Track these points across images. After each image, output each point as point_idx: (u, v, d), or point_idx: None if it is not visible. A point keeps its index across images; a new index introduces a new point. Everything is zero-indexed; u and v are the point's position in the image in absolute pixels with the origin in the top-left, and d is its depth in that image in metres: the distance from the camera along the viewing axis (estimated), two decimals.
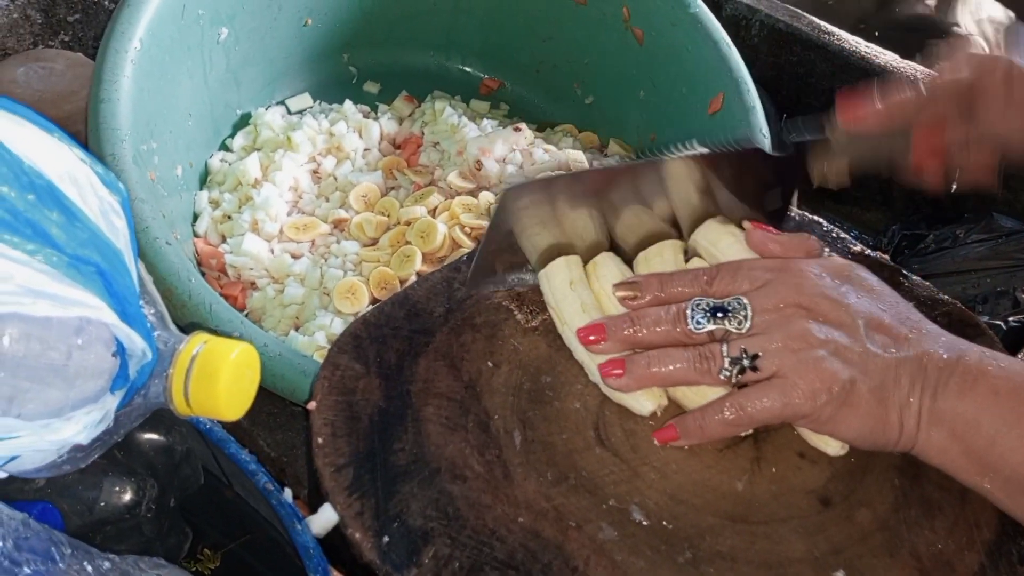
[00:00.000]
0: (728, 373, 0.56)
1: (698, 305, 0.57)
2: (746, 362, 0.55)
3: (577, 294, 0.63)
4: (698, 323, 0.57)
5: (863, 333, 0.55)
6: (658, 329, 0.58)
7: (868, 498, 0.58)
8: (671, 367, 0.57)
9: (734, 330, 0.56)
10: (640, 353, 0.58)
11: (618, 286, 0.62)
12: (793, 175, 0.69)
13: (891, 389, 0.55)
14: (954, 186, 0.72)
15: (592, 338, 0.59)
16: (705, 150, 0.65)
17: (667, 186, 0.65)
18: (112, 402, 0.46)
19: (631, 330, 0.59)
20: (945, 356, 0.55)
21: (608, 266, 0.65)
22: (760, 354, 0.55)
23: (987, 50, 0.74)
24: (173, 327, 0.51)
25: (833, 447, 0.59)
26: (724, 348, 0.56)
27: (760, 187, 0.67)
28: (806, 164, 0.68)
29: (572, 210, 0.63)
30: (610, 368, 0.58)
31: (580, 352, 0.62)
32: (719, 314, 0.57)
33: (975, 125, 0.68)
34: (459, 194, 0.90)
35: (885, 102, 0.67)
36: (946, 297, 0.71)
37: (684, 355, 0.57)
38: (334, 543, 0.54)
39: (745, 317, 0.56)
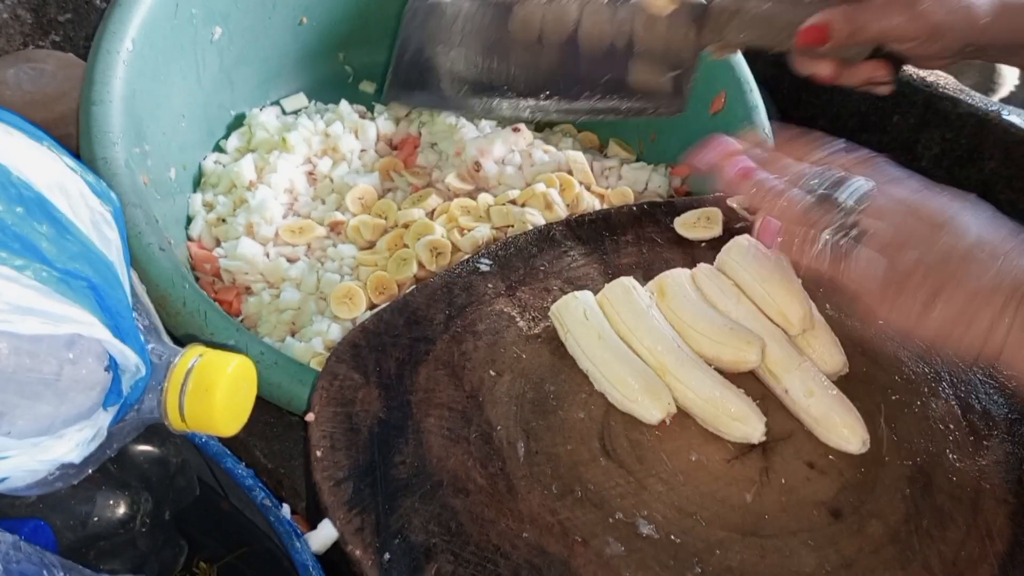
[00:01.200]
0: (830, 237, 0.55)
1: (822, 173, 0.57)
2: (852, 232, 0.55)
3: (593, 323, 0.62)
4: (813, 190, 0.56)
5: (967, 242, 0.54)
6: (779, 176, 0.58)
7: (879, 509, 0.57)
8: (789, 201, 0.57)
9: (848, 201, 0.55)
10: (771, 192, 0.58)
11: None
12: (684, 38, 0.72)
13: (983, 295, 0.53)
14: (847, 81, 0.73)
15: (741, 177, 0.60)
16: None
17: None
18: (105, 419, 0.45)
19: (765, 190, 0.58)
20: None
21: (618, 294, 0.64)
22: (866, 232, 0.55)
23: None
24: (167, 339, 0.49)
25: (854, 445, 0.58)
26: (835, 213, 0.55)
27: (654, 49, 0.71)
28: (692, 29, 0.71)
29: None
30: (738, 167, 0.60)
31: (584, 361, 0.61)
32: (837, 185, 0.56)
33: (858, 9, 0.69)
34: (457, 196, 0.89)
35: None
36: None
37: (803, 199, 0.56)
38: (333, 559, 0.53)
39: (863, 193, 0.55)
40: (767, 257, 0.64)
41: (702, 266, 0.67)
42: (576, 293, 0.64)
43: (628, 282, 0.64)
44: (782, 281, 0.63)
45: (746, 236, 0.67)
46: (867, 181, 0.56)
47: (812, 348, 0.63)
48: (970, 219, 0.55)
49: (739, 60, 0.95)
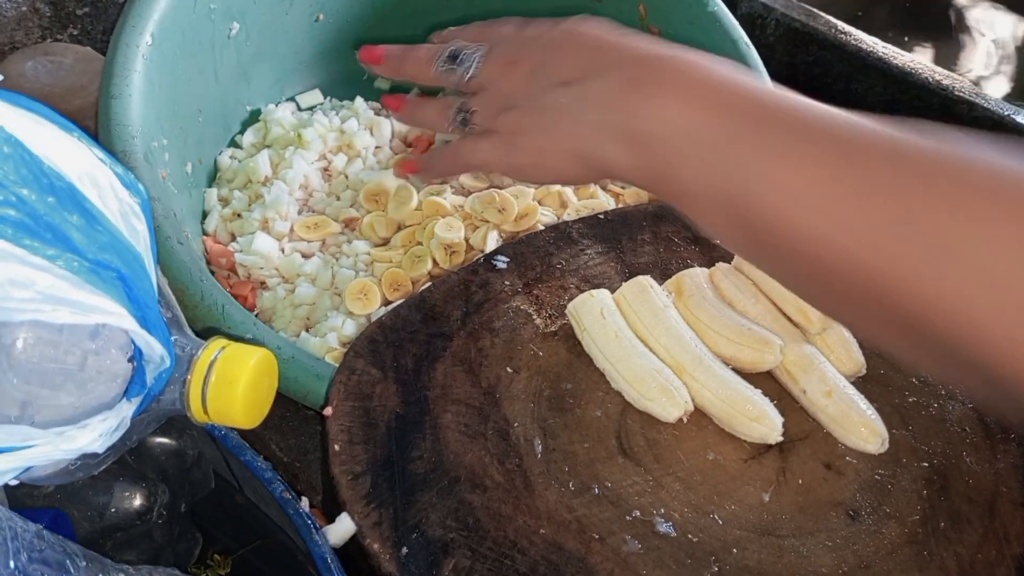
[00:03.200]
0: (452, 122, 0.64)
1: (445, 50, 0.64)
2: (463, 115, 0.63)
3: (610, 321, 0.62)
4: (439, 64, 0.64)
5: (556, 74, 0.57)
6: (416, 60, 0.67)
7: (896, 511, 0.57)
8: (426, 110, 0.68)
9: (463, 72, 0.63)
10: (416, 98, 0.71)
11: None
12: None
13: (579, 119, 0.54)
14: None
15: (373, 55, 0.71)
16: None
17: None
18: (128, 409, 0.45)
19: (401, 59, 0.69)
20: (638, 73, 0.51)
21: (635, 293, 0.64)
22: (474, 110, 0.62)
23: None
24: (189, 331, 0.49)
25: (873, 445, 0.58)
26: (456, 104, 0.63)
27: None
28: None
29: None
30: (391, 100, 0.73)
31: (601, 360, 0.61)
32: (454, 58, 0.63)
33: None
34: (472, 193, 0.89)
35: None
36: None
37: (435, 105, 0.67)
38: (350, 553, 0.53)
39: (471, 66, 0.62)
40: None
41: (720, 265, 0.67)
42: (593, 292, 0.64)
43: (645, 281, 0.64)
44: None
45: None
46: (479, 49, 0.63)
47: (830, 348, 0.63)
48: (566, 47, 0.58)
49: (756, 60, 0.95)
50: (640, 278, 0.64)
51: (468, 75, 0.62)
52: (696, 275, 0.65)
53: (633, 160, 0.51)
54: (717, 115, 0.47)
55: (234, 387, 0.46)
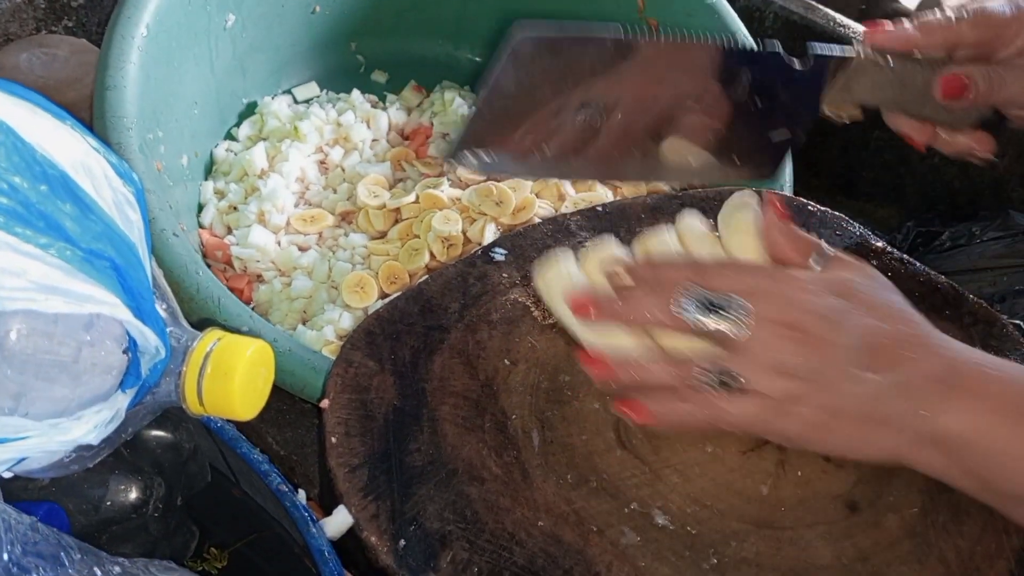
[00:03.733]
0: (701, 382, 0.53)
1: (696, 291, 0.54)
2: (725, 380, 0.53)
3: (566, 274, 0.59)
4: (686, 310, 0.53)
5: (854, 356, 0.52)
6: (645, 308, 0.55)
7: (895, 503, 0.56)
8: (651, 371, 0.55)
9: (729, 331, 0.53)
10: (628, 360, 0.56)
11: (610, 274, 0.58)
12: (808, 97, 0.64)
13: (877, 414, 0.52)
14: (944, 148, 0.69)
15: (582, 309, 0.57)
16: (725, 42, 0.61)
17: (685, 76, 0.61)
18: (123, 401, 0.44)
19: (619, 308, 0.56)
20: (941, 375, 0.52)
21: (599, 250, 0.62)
22: (736, 375, 0.53)
23: None
24: (185, 323, 0.49)
25: None
26: (706, 367, 0.53)
27: (771, 106, 0.63)
28: (822, 86, 0.64)
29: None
30: (596, 366, 0.57)
31: (560, 312, 0.60)
32: (713, 308, 0.53)
33: (1000, 67, 0.66)
34: (469, 186, 0.89)
35: (918, 21, 0.65)
36: (972, 296, 0.69)
37: (672, 370, 0.55)
38: (348, 546, 0.53)
39: (739, 323, 0.53)
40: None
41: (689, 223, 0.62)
42: (558, 254, 0.61)
43: (610, 240, 0.62)
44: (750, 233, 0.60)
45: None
46: (743, 301, 0.53)
47: None
48: (850, 325, 0.53)
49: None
50: (605, 236, 0.63)
51: (737, 333, 0.53)
52: (661, 236, 0.61)
53: (947, 464, 0.53)
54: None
55: (230, 378, 0.46)
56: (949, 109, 0.66)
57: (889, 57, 0.65)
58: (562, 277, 0.59)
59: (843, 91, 0.65)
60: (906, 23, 0.65)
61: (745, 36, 0.95)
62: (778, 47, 0.62)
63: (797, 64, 0.63)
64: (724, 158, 0.65)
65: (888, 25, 0.65)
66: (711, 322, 0.53)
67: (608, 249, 0.60)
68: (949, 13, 0.65)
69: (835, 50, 0.64)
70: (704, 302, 0.53)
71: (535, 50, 0.57)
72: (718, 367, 0.53)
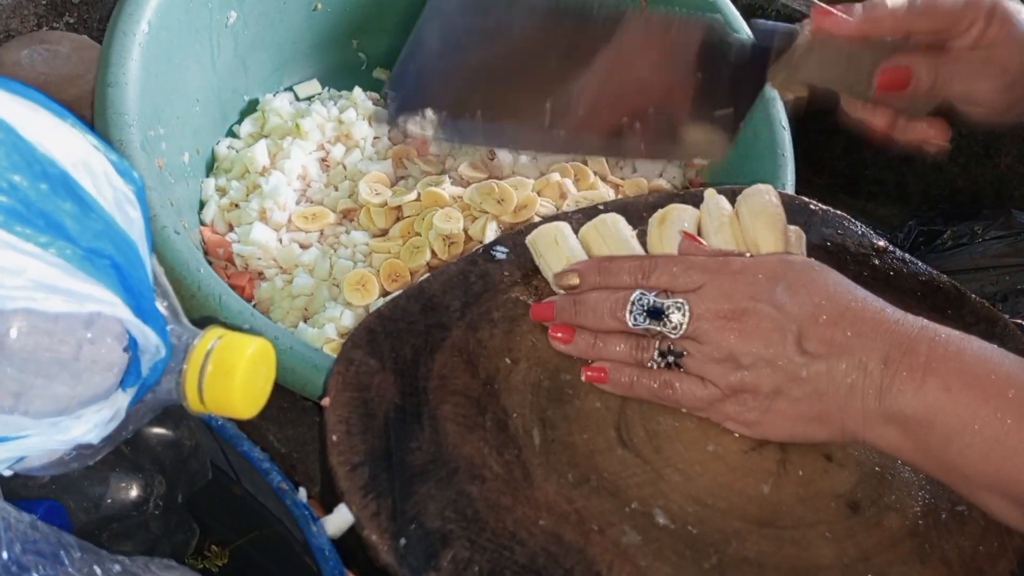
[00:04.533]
0: (657, 364, 0.57)
1: (638, 301, 0.57)
2: (671, 359, 0.57)
3: (564, 246, 0.62)
4: (635, 320, 0.57)
5: (794, 339, 0.53)
6: (598, 317, 0.59)
7: (897, 503, 0.56)
8: (613, 349, 0.59)
9: (668, 333, 0.56)
10: (588, 332, 0.60)
11: (559, 274, 0.62)
12: (752, 74, 0.63)
13: (827, 393, 0.53)
14: (900, 136, 0.68)
15: (540, 315, 0.62)
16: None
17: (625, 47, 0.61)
18: (123, 399, 0.44)
19: (575, 313, 0.60)
20: (890, 352, 0.52)
21: (601, 225, 0.63)
22: (685, 354, 0.56)
23: None
24: (186, 321, 0.49)
25: None
26: (656, 342, 0.57)
27: (714, 80, 0.62)
28: (766, 63, 0.63)
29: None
30: (558, 332, 0.60)
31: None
32: (655, 315, 0.57)
33: (947, 59, 0.65)
34: (470, 184, 0.88)
35: (864, 9, 0.64)
36: (974, 295, 0.69)
37: (623, 343, 0.58)
38: (348, 544, 0.53)
39: (680, 324, 0.56)
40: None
41: (715, 200, 0.65)
42: (554, 223, 0.64)
43: (612, 216, 0.64)
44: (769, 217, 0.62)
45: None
46: (683, 303, 0.56)
47: None
48: (792, 309, 0.54)
49: None
50: (608, 214, 0.64)
51: (680, 333, 0.56)
52: (683, 210, 0.64)
53: (901, 442, 0.52)
54: (983, 399, 0.50)
55: (232, 376, 0.45)
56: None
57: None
58: (558, 248, 0.62)
59: (789, 69, 0.64)
60: (857, 9, 0.64)
61: (749, 36, 0.95)
62: (720, 19, 0.63)
63: (740, 39, 0.62)
64: (668, 134, 0.65)
65: (836, 12, 0.64)
66: (656, 326, 0.56)
67: (610, 227, 0.61)
68: (903, 2, 0.64)
69: (780, 27, 0.63)
70: (648, 307, 0.57)
71: (457, 5, 0.56)
72: (667, 346, 0.57)
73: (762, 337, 0.54)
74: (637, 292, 0.57)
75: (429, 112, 0.59)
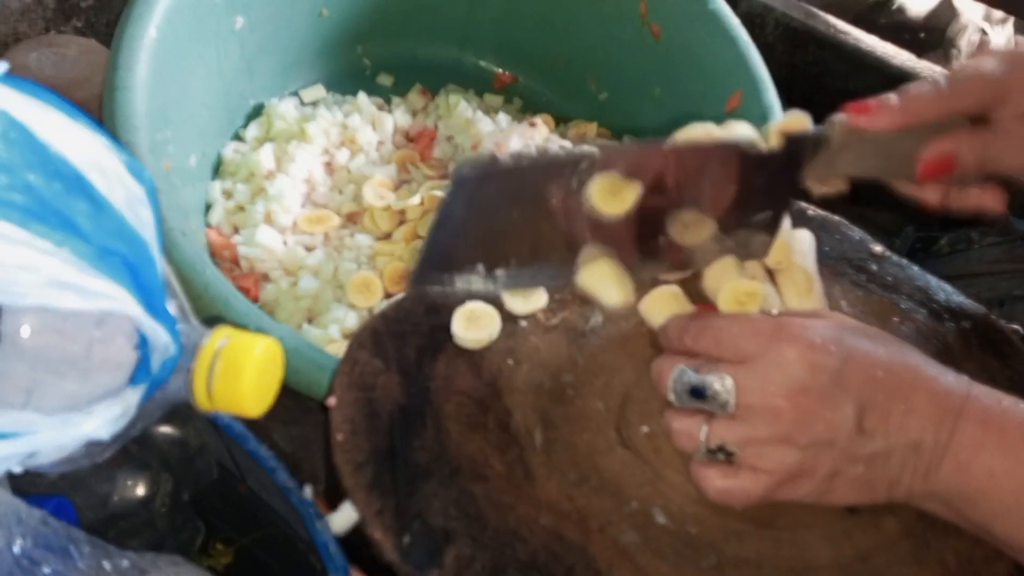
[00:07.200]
0: (704, 457, 0.54)
1: (680, 379, 0.54)
2: (721, 456, 0.53)
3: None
4: (680, 400, 0.54)
5: (852, 424, 0.51)
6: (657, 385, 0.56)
7: (895, 505, 0.57)
8: (669, 425, 0.55)
9: (716, 411, 0.53)
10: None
11: None
12: (786, 179, 0.61)
13: (879, 473, 0.52)
14: (954, 205, 0.65)
15: None
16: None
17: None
18: (133, 396, 0.45)
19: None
20: (939, 431, 0.51)
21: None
22: (736, 452, 0.52)
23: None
24: (194, 320, 0.50)
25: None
26: (703, 433, 0.53)
27: (747, 191, 0.60)
28: (800, 166, 0.61)
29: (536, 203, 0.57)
30: None
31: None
32: (698, 395, 0.53)
33: (993, 134, 0.61)
34: None
35: (899, 96, 0.61)
36: (974, 305, 0.70)
37: (675, 422, 0.55)
38: (353, 542, 0.53)
39: (725, 405, 0.52)
40: None
41: None
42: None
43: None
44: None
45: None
46: (725, 379, 0.52)
47: (793, 283, 0.63)
48: (847, 384, 0.51)
49: (756, 59, 0.95)
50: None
51: (726, 411, 0.52)
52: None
53: (945, 512, 0.53)
54: None
55: (240, 375, 0.46)
56: None
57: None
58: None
59: (824, 167, 0.61)
60: (892, 99, 0.60)
61: (747, 43, 0.96)
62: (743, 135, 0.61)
63: (764, 149, 0.59)
64: (715, 244, 0.63)
65: (871, 104, 0.60)
66: (701, 404, 0.53)
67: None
68: (940, 80, 0.61)
69: (809, 131, 0.60)
70: (696, 390, 0.53)
71: (479, 175, 0.55)
72: (716, 440, 0.53)
73: (818, 417, 0.51)
74: (677, 370, 0.54)
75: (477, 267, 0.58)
